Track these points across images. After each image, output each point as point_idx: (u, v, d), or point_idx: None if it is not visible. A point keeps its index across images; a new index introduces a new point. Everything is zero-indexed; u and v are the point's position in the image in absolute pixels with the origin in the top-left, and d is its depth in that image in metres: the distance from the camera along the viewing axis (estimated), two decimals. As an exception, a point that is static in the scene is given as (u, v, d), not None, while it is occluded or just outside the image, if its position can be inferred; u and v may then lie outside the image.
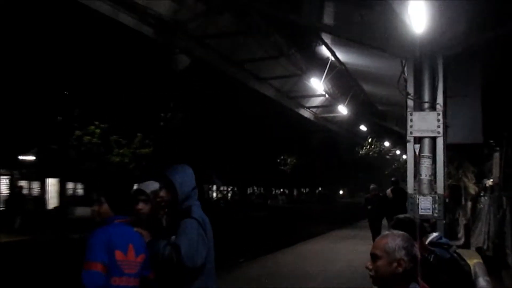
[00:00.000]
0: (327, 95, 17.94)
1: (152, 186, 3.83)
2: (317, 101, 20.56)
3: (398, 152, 37.89)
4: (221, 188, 51.25)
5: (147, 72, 22.59)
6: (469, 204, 11.45)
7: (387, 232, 2.55)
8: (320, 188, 70.98)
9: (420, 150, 6.13)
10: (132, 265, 3.17)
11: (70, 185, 32.79)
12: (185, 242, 3.34)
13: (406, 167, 6.44)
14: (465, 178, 11.19)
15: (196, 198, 3.67)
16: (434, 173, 6.04)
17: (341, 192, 79.81)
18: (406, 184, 6.48)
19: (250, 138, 38.32)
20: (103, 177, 22.63)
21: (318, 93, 17.53)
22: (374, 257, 2.45)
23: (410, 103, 6.30)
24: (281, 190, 65.30)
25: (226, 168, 37.58)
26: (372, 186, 14.44)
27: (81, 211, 24.68)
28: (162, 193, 3.58)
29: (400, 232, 2.51)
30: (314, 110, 22.04)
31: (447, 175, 8.49)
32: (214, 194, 50.38)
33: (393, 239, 2.45)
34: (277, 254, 14.24)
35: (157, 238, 3.45)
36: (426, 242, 3.93)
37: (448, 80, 6.29)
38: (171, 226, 3.52)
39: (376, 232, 13.08)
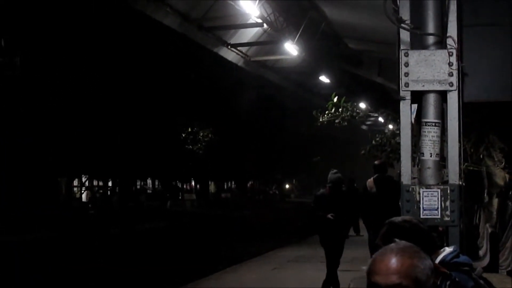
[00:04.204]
0: (265, 25, 17.96)
1: None
2: (249, 35, 20.58)
3: (381, 118, 38.61)
4: (88, 184, 50.66)
5: None
6: (496, 201, 11.82)
7: (399, 244, 2.61)
8: (252, 182, 71.60)
9: (422, 114, 6.23)
10: None
11: None
12: None
13: (396, 143, 6.53)
14: (489, 160, 11.52)
15: None
16: (443, 151, 6.16)
17: (287, 186, 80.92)
18: (397, 171, 6.59)
19: (134, 98, 37.99)
20: None
21: (250, 21, 17.50)
22: None
23: (405, 36, 6.38)
24: (190, 184, 65.27)
25: (93, 148, 37.32)
26: (332, 172, 13.74)
27: None
28: None
29: (411, 245, 2.60)
30: (244, 50, 22.05)
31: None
32: (84, 194, 49.94)
33: (421, 258, 2.54)
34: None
35: None
36: (436, 262, 3.99)
37: (466, -2, 6.39)
38: None
39: (334, 252, 13.03)
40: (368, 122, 43.54)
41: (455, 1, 6.20)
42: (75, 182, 49.50)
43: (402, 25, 6.24)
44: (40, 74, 31.11)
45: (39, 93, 31.49)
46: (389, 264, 2.51)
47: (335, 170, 13.35)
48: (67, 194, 45.47)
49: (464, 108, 6.37)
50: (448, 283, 3.81)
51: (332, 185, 12.94)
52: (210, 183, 65.63)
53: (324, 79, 28.47)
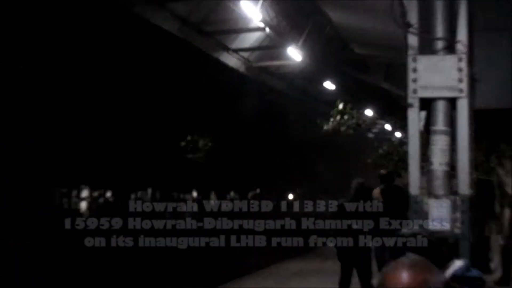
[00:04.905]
0: (268, 29, 17.92)
1: None
2: (251, 39, 20.55)
3: (388, 126, 38.57)
4: (87, 194, 50.78)
5: None
6: (508, 212, 11.76)
7: (411, 259, 2.62)
8: (253, 192, 71.55)
9: (431, 122, 6.15)
10: None
11: None
12: None
13: (403, 152, 6.44)
14: (500, 169, 11.47)
15: None
16: (453, 160, 6.08)
17: (290, 196, 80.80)
18: (405, 181, 6.51)
19: (129, 104, 38.08)
20: None
21: (252, 25, 17.47)
22: None
23: (413, 41, 6.31)
24: (191, 194, 65.29)
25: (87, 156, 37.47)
26: (356, 180, 13.52)
27: None
28: None
29: (422, 260, 2.59)
30: (245, 55, 22.01)
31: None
32: (82, 204, 50.05)
33: (433, 273, 2.52)
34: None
35: None
36: (446, 276, 3.93)
37: (476, 2, 6.32)
38: None
39: (358, 271, 12.83)
40: (375, 130, 43.44)
41: (465, 5, 6.12)
42: (74, 193, 49.73)
43: (410, 29, 6.16)
44: (39, 79, 31.29)
45: (40, 99, 31.68)
46: (400, 279, 2.48)
47: (361, 179, 13.13)
48: (63, 204, 45.59)
49: (475, 115, 6.30)
50: (459, 299, 3.76)
51: (356, 195, 12.75)
52: (211, 193, 65.70)
53: (329, 85, 28.38)
